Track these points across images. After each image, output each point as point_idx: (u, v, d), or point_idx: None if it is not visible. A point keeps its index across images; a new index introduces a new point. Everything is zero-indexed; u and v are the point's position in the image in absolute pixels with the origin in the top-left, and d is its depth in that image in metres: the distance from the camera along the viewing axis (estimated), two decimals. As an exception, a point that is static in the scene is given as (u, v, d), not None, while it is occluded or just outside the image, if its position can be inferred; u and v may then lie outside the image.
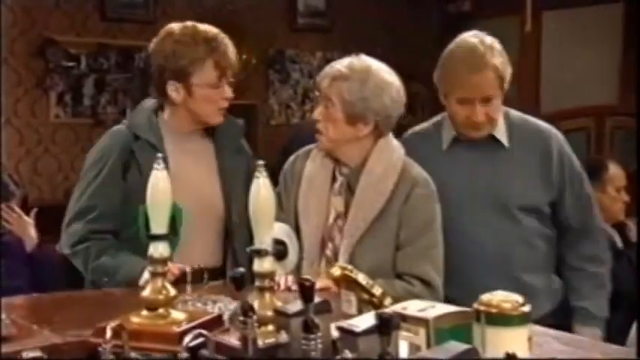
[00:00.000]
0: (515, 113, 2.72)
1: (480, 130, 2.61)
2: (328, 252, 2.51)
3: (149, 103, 2.72)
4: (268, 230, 1.79)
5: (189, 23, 2.63)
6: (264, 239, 1.77)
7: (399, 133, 2.67)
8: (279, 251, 1.91)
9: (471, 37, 2.61)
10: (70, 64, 5.46)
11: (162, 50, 2.59)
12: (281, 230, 2.14)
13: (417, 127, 2.83)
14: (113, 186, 2.58)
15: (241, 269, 1.63)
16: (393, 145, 2.56)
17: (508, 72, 2.58)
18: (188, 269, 2.24)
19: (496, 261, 2.61)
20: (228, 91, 2.61)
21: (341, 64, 2.50)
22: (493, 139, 2.65)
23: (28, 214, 3.84)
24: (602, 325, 2.69)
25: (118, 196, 2.56)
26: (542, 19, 6.21)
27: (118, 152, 2.60)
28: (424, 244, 2.47)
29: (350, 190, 2.52)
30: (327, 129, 2.51)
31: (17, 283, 3.46)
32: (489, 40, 2.59)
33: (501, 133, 2.65)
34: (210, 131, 2.71)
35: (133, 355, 1.66)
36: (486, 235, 2.63)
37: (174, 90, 2.59)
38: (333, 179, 2.56)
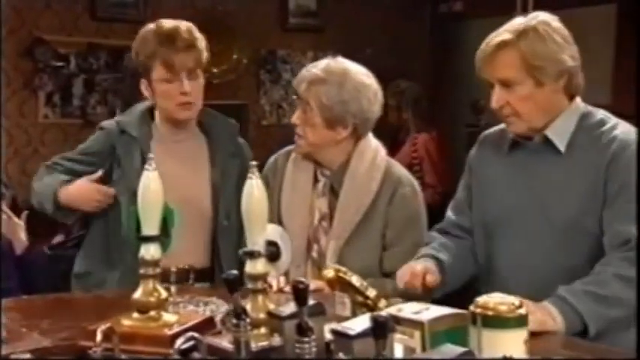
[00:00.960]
0: (599, 117, 2.25)
1: (509, 121, 2.23)
2: (314, 254, 2.50)
3: (145, 103, 2.73)
4: (261, 231, 1.77)
5: (162, 21, 2.64)
6: (256, 241, 1.75)
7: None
8: (272, 253, 1.89)
9: (522, 16, 2.23)
10: (60, 64, 5.42)
11: (133, 48, 2.64)
12: (274, 231, 2.13)
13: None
14: (81, 164, 2.68)
15: (234, 271, 1.61)
16: (373, 145, 2.55)
17: (544, 59, 2.15)
18: (173, 269, 2.24)
19: (532, 287, 2.06)
20: (186, 86, 2.57)
21: (318, 68, 2.48)
22: (548, 142, 2.22)
23: (17, 215, 3.81)
24: (575, 322, 1.99)
25: (78, 172, 2.66)
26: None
27: (102, 143, 2.68)
28: (411, 244, 2.46)
29: (333, 191, 2.51)
30: (306, 133, 2.50)
31: (7, 286, 3.44)
32: (540, 21, 2.19)
33: (558, 135, 2.21)
34: (204, 132, 2.71)
35: (123, 357, 1.65)
36: (529, 255, 2.21)
37: (144, 87, 2.63)
38: (316, 180, 2.54)
